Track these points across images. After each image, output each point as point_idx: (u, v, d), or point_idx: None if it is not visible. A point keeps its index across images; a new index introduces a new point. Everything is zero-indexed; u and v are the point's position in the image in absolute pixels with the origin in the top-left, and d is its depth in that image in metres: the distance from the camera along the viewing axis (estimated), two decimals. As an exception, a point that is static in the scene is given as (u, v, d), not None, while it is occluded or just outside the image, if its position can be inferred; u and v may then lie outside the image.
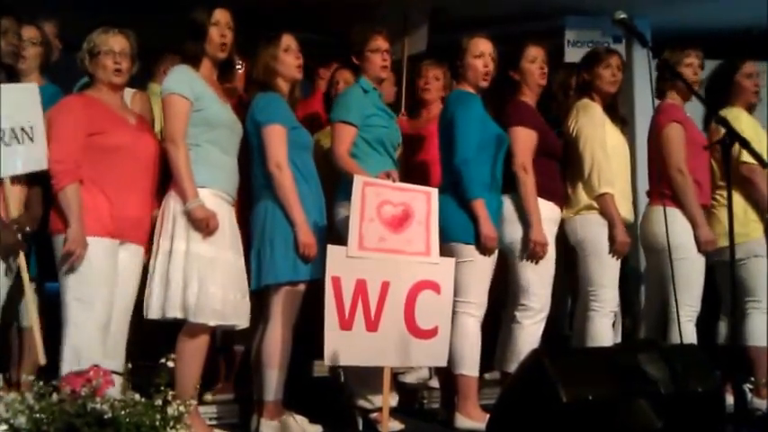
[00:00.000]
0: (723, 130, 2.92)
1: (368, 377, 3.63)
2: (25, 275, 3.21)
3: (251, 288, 3.53)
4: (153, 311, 3.35)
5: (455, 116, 3.79)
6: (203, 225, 3.35)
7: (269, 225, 3.54)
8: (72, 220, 3.23)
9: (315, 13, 5.14)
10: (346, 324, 3.32)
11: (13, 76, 3.43)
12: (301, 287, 3.57)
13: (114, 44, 3.39)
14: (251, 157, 3.62)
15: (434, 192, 3.60)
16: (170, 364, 2.95)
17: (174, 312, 3.32)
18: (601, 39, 5.41)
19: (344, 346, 3.31)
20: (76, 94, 3.44)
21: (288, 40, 3.67)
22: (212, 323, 3.37)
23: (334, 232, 3.72)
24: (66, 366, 3.11)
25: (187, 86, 3.42)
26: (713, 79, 4.37)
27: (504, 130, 3.91)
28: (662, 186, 4.10)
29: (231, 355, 4.12)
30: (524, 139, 3.90)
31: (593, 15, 5.34)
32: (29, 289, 3.23)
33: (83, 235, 3.24)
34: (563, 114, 4.22)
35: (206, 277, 3.34)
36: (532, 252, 3.85)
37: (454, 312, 3.69)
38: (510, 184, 3.91)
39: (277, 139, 3.53)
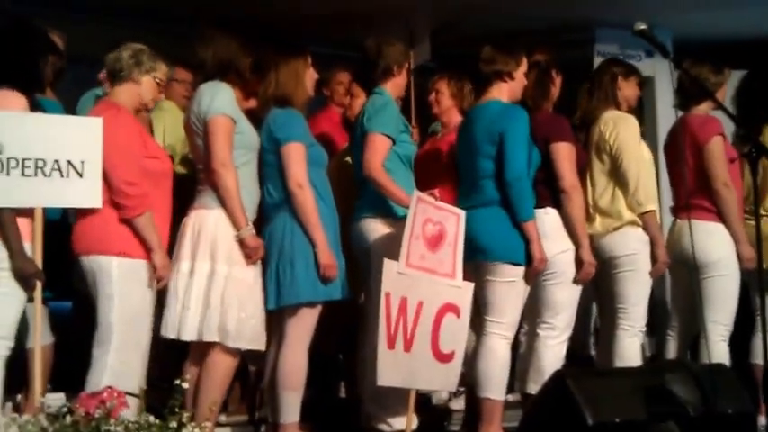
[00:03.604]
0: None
1: (386, 399, 3.64)
2: (39, 302, 3.23)
3: (268, 308, 3.57)
4: (188, 333, 3.39)
5: (508, 131, 3.72)
6: (253, 253, 3.42)
7: (288, 244, 3.57)
8: (156, 247, 3.30)
9: (318, 26, 5.20)
10: (391, 343, 3.35)
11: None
12: (319, 308, 3.60)
13: (165, 74, 3.46)
14: (263, 172, 3.65)
15: (463, 214, 3.62)
16: (185, 385, 2.99)
17: (212, 336, 3.37)
18: (631, 52, 5.41)
19: (389, 366, 3.34)
20: (127, 110, 3.43)
21: (309, 56, 3.72)
22: (248, 347, 3.43)
23: (347, 251, 3.74)
24: None
25: (232, 108, 3.48)
26: (743, 92, 4.36)
27: (537, 144, 3.88)
28: (698, 200, 4.08)
29: (245, 376, 4.14)
30: (570, 156, 3.88)
31: (623, 28, 5.36)
32: (39, 313, 3.26)
33: (168, 261, 3.31)
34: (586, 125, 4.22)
35: (246, 302, 3.41)
36: (583, 273, 3.85)
37: (484, 333, 3.70)
38: (545, 199, 3.88)
39: (298, 158, 3.57)
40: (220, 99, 3.46)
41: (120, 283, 3.29)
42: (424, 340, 3.45)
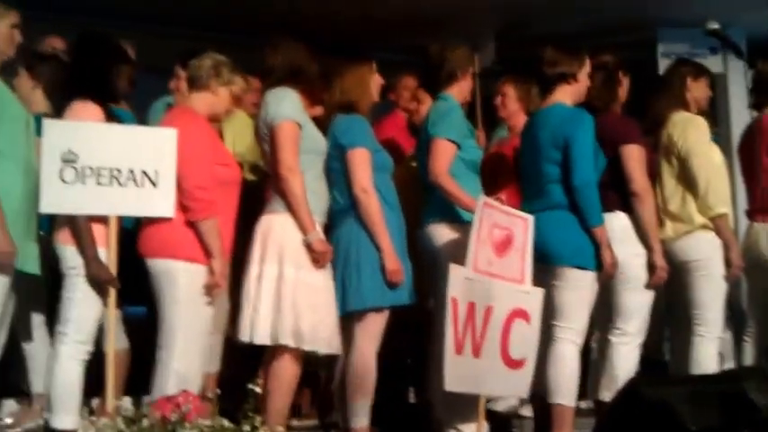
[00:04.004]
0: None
1: (457, 405, 3.64)
2: (113, 307, 3.32)
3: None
4: (260, 337, 3.43)
5: (574, 136, 3.69)
6: (321, 258, 3.47)
7: (354, 250, 3.60)
8: (217, 253, 3.35)
9: (384, 32, 5.23)
10: (459, 348, 3.35)
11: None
12: (386, 313, 3.62)
13: (240, 87, 3.54)
14: (329, 178, 3.68)
15: (531, 218, 3.61)
16: (257, 389, 3.05)
17: (286, 339, 3.41)
18: (695, 51, 5.32)
19: (457, 371, 3.35)
20: (201, 117, 3.50)
21: (374, 62, 3.75)
22: (324, 351, 3.47)
23: (415, 256, 3.76)
24: (171, 392, 3.20)
25: (299, 113, 3.53)
26: None
27: (606, 146, 3.84)
28: None
29: (316, 381, 4.19)
30: (640, 158, 3.83)
31: (686, 27, 5.27)
32: (113, 318, 3.35)
33: (227, 268, 3.36)
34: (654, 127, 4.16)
35: (318, 305, 3.45)
36: (655, 277, 3.81)
37: (554, 338, 3.69)
38: (615, 203, 3.84)
39: (363, 163, 3.61)
40: (286, 104, 3.52)
41: (184, 287, 3.35)
42: (493, 346, 3.45)
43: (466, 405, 3.57)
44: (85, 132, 3.23)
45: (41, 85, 3.65)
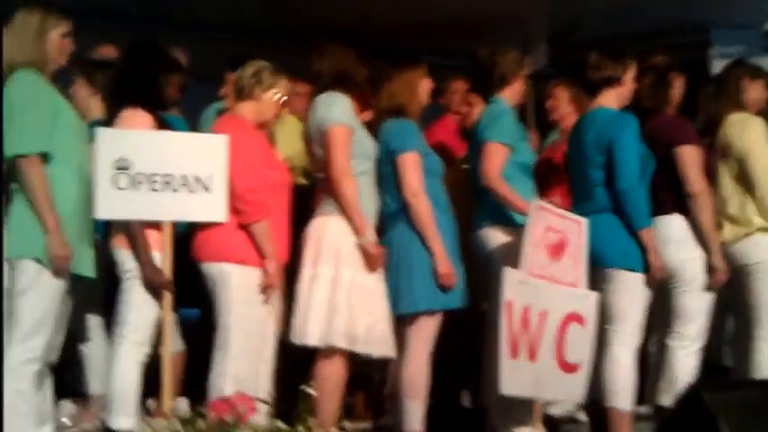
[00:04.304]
0: None
1: (512, 409, 3.62)
2: (168, 310, 3.37)
3: (387, 316, 3.61)
4: (312, 338, 3.45)
5: (617, 140, 3.68)
6: (375, 261, 3.49)
7: (405, 254, 3.61)
8: (270, 255, 3.39)
9: (434, 35, 5.23)
10: (514, 352, 3.35)
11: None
12: (438, 316, 3.62)
13: (285, 89, 3.58)
14: (380, 182, 3.70)
15: (586, 221, 3.59)
16: (311, 391, 3.07)
17: (339, 341, 3.43)
18: (750, 52, 5.24)
19: (512, 375, 3.34)
20: (248, 122, 3.55)
21: (424, 66, 3.76)
22: (378, 354, 3.49)
23: (468, 260, 3.75)
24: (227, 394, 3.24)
25: (350, 117, 3.57)
26: None
27: (661, 148, 3.81)
28: None
29: (369, 383, 4.20)
30: (695, 159, 3.80)
31: (739, 28, 5.20)
32: (169, 321, 3.40)
33: (281, 270, 3.41)
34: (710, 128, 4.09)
35: (372, 307, 3.47)
36: (714, 279, 3.78)
37: (609, 342, 3.66)
38: (672, 205, 3.81)
39: (413, 167, 3.61)
40: (338, 109, 3.54)
41: (238, 290, 3.39)
42: (548, 350, 3.43)
43: (521, 409, 3.56)
44: (138, 140, 3.30)
45: (98, 92, 3.73)
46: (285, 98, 3.62)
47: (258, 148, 3.48)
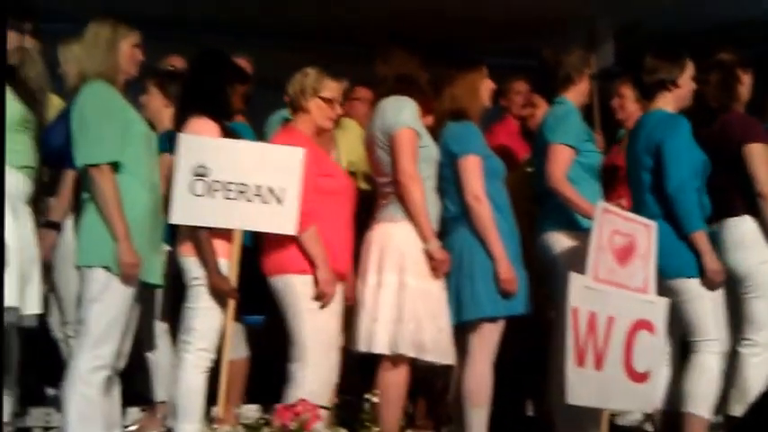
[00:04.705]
0: None
1: (578, 419, 3.59)
2: (231, 317, 3.43)
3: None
4: (379, 347, 3.48)
5: (665, 142, 3.66)
6: (441, 266, 3.50)
7: (467, 258, 3.61)
8: (320, 262, 3.41)
9: (496, 36, 5.21)
10: (581, 360, 3.32)
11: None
12: (501, 323, 3.61)
13: (335, 91, 3.60)
14: (441, 186, 3.70)
15: (654, 225, 3.55)
16: (375, 399, 3.09)
17: (407, 349, 3.45)
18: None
19: (579, 384, 3.32)
20: (302, 134, 3.59)
21: (485, 68, 3.76)
22: (442, 362, 3.50)
23: (531, 265, 3.73)
24: None
25: (416, 121, 3.59)
26: None
27: (727, 147, 3.75)
28: None
29: (431, 391, 4.20)
30: (766, 158, 3.74)
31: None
32: (231, 328, 3.45)
33: (333, 277, 3.44)
34: None
35: (439, 315, 3.48)
36: None
37: (694, 352, 3.63)
38: (740, 206, 3.75)
39: (474, 170, 3.62)
40: (406, 113, 3.57)
41: (303, 299, 3.43)
42: (616, 358, 3.39)
43: (588, 419, 3.53)
44: (217, 147, 3.37)
45: (171, 103, 3.81)
46: (336, 100, 3.62)
47: (309, 157, 3.48)
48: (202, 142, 3.36)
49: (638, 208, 3.76)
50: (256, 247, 3.57)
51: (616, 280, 3.42)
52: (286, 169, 3.40)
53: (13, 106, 3.16)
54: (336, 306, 3.50)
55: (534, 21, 4.96)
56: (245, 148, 3.46)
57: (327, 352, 3.43)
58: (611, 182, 4.06)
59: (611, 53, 5.29)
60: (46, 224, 3.77)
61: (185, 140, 3.33)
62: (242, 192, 3.36)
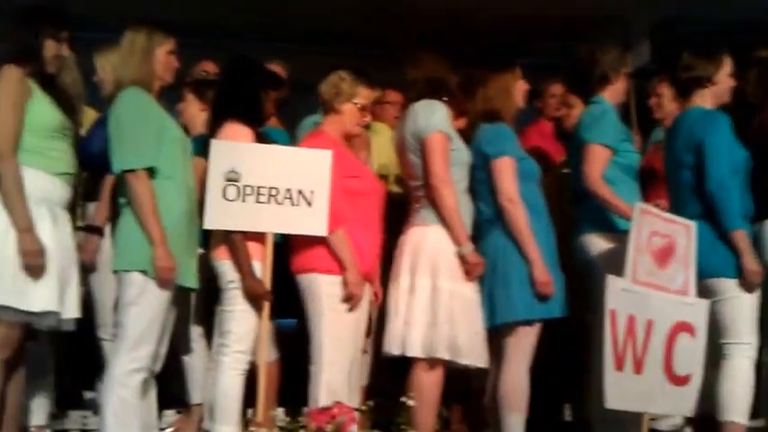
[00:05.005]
0: None
1: (617, 423, 3.57)
2: (266, 320, 3.47)
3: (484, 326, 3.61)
4: (413, 350, 3.50)
5: (706, 139, 3.64)
6: (474, 269, 3.52)
7: (501, 261, 3.61)
8: (348, 263, 3.46)
9: (529, 37, 5.19)
10: (619, 364, 3.32)
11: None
12: (537, 327, 3.61)
13: (368, 98, 3.65)
14: (474, 189, 3.71)
15: (694, 225, 3.54)
16: (410, 402, 3.10)
17: (442, 353, 3.47)
18: None
19: (618, 388, 3.31)
20: (330, 136, 3.64)
21: (518, 68, 3.76)
22: (477, 365, 3.52)
23: (568, 267, 3.72)
24: (322, 404, 3.31)
25: (447, 125, 3.62)
26: None
27: (763, 144, 3.71)
28: None
29: (466, 395, 4.20)
30: None
31: None
32: (266, 330, 3.50)
33: (361, 278, 3.48)
34: None
35: (473, 318, 3.50)
36: None
37: (729, 355, 3.60)
38: None
39: (508, 172, 3.62)
40: (437, 116, 3.59)
41: (327, 299, 3.47)
42: (655, 362, 3.38)
43: (627, 423, 3.50)
44: (247, 153, 3.44)
45: (207, 108, 3.87)
46: (367, 107, 3.66)
47: (336, 159, 3.52)
48: (233, 148, 3.43)
49: (678, 207, 3.73)
50: (287, 245, 3.61)
51: (655, 282, 3.41)
52: (315, 172, 3.45)
53: (51, 114, 3.23)
54: (361, 308, 3.52)
55: (568, 19, 4.94)
56: (275, 153, 3.52)
57: (346, 353, 3.46)
58: (649, 182, 4.03)
59: (646, 51, 5.25)
60: (88, 229, 3.88)
61: (216, 146, 3.40)
62: (273, 195, 3.42)
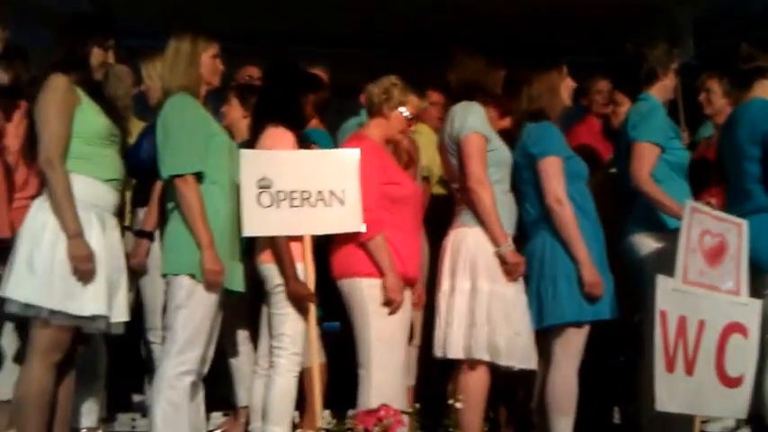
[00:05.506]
0: None
1: (668, 426, 3.56)
2: (313, 323, 3.52)
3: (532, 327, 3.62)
4: (454, 351, 3.55)
5: None
6: (515, 270, 3.54)
7: (549, 262, 3.63)
8: (387, 269, 3.50)
9: (574, 34, 5.18)
10: (670, 365, 3.33)
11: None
12: (586, 328, 3.62)
13: (417, 108, 3.69)
14: (520, 189, 3.73)
15: (745, 224, 3.52)
16: (458, 405, 3.12)
17: (481, 354, 3.51)
18: None
19: (668, 390, 3.32)
20: (373, 140, 3.68)
21: (564, 66, 3.77)
22: (519, 366, 3.54)
23: (617, 268, 3.72)
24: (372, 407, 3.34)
25: (484, 125, 3.65)
26: None
27: None
28: None
29: (512, 397, 4.22)
30: None
31: None
32: (314, 333, 3.54)
33: (401, 283, 3.52)
34: None
35: (513, 319, 3.52)
36: None
37: None
38: None
39: (555, 172, 3.63)
40: (473, 118, 3.62)
41: (370, 302, 3.51)
42: (707, 363, 3.38)
43: (678, 426, 3.49)
44: (276, 159, 3.51)
45: (249, 114, 3.94)
46: (414, 117, 3.70)
47: (377, 163, 3.58)
48: (262, 155, 3.51)
49: (739, 200, 3.70)
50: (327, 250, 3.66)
51: (706, 282, 3.40)
52: (344, 171, 3.52)
53: (99, 121, 3.31)
54: (404, 311, 3.56)
55: (612, 15, 4.92)
56: (303, 157, 3.59)
57: (393, 355, 3.50)
58: (699, 180, 4.00)
59: (689, 47, 5.20)
60: (139, 233, 3.98)
61: (246, 156, 3.48)
62: (305, 198, 3.49)
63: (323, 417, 3.58)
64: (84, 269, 3.18)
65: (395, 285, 3.48)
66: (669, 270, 3.38)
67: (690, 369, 3.33)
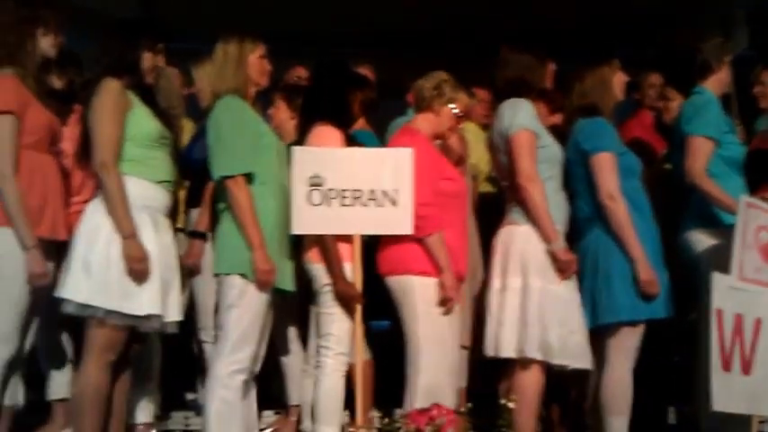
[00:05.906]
0: None
1: (725, 426, 3.53)
2: (359, 322, 3.55)
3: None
4: (506, 350, 3.56)
5: None
6: (567, 268, 3.54)
7: (603, 260, 3.62)
8: (445, 267, 3.52)
9: (623, 27, 5.13)
10: (727, 364, 3.31)
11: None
12: (641, 327, 3.60)
13: (465, 105, 3.73)
14: (573, 186, 3.72)
15: None
16: (510, 404, 3.13)
17: (533, 353, 3.52)
18: None
19: (725, 389, 3.30)
20: (424, 135, 3.70)
21: (616, 61, 3.75)
22: (573, 365, 3.54)
23: (673, 266, 3.69)
24: (418, 406, 3.37)
25: (533, 122, 3.66)
26: None
27: None
28: None
29: (565, 397, 4.21)
30: None
31: None
32: (360, 333, 3.57)
33: (457, 281, 3.55)
34: None
35: (566, 317, 3.53)
36: None
37: None
38: None
39: (608, 168, 3.62)
40: (522, 115, 3.62)
41: (422, 301, 3.53)
42: (765, 362, 3.34)
43: (735, 426, 3.46)
44: (329, 157, 3.54)
45: (296, 116, 4.00)
46: (463, 114, 3.72)
47: (430, 160, 3.60)
48: (314, 153, 3.54)
49: None
50: (375, 247, 3.70)
51: (763, 279, 3.37)
52: (397, 171, 3.53)
53: (151, 124, 3.39)
54: (455, 309, 3.58)
55: (664, 8, 4.87)
56: (356, 155, 3.61)
57: (443, 354, 3.52)
58: (755, 175, 3.94)
59: (744, 38, 5.12)
60: (192, 234, 4.07)
61: (298, 153, 3.51)
62: (357, 197, 3.51)
63: (372, 416, 3.63)
64: (138, 269, 3.25)
65: (452, 284, 3.51)
66: (725, 267, 3.35)
67: (747, 368, 3.30)
